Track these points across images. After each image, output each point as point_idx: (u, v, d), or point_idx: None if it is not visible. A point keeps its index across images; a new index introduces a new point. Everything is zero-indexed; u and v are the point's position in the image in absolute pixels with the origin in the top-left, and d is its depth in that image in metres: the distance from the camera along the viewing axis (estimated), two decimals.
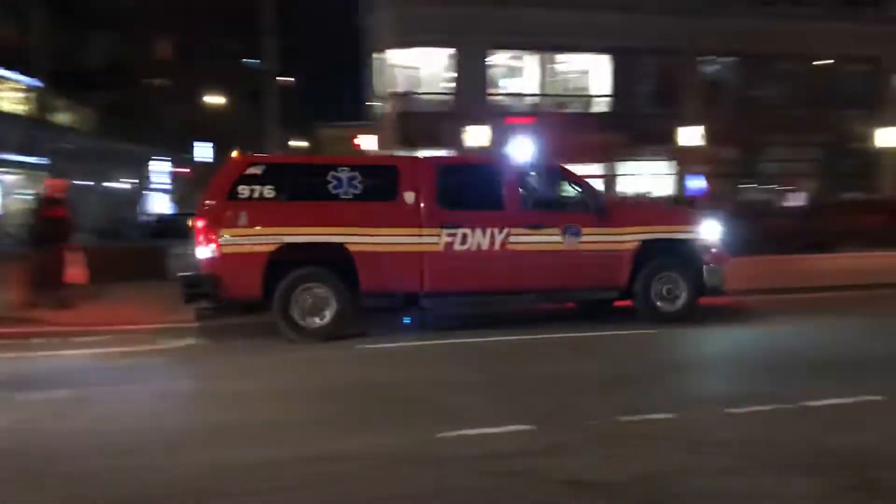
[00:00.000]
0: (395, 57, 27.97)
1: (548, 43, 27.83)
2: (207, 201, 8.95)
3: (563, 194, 10.44)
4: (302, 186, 9.20)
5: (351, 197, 9.13)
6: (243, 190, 8.87)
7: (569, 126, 24.61)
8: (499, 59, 28.85)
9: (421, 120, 26.01)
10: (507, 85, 29.25)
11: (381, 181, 9.36)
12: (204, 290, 8.88)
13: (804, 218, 19.26)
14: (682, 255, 10.09)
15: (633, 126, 26.32)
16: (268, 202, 8.92)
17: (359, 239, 9.04)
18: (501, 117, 27.00)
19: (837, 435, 5.19)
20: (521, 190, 9.96)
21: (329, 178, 9.11)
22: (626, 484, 4.44)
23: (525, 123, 26.59)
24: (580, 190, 10.29)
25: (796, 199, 25.26)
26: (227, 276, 8.72)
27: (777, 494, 4.26)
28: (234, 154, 9.61)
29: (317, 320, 9.03)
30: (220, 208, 8.83)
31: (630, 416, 5.70)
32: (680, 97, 28.95)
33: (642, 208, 12.10)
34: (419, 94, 28.20)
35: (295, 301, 8.95)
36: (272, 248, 8.83)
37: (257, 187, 8.89)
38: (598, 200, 10.15)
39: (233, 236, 8.76)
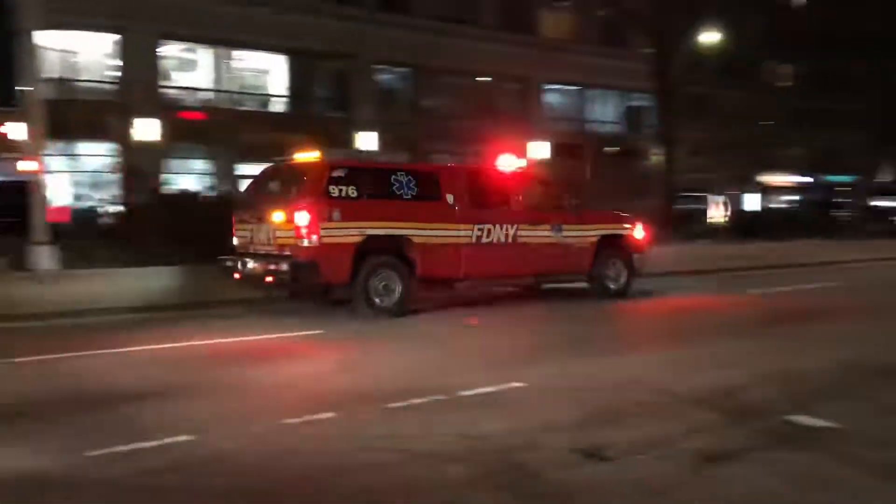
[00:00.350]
0: (48, 38, 25.27)
1: (221, 38, 26.95)
2: (305, 199, 10.08)
3: (549, 198, 12.69)
4: (374, 187, 10.60)
5: (410, 197, 10.84)
6: (334, 189, 10.22)
7: (243, 123, 24.13)
8: (170, 51, 27.33)
9: (80, 109, 23.69)
10: (180, 78, 27.84)
11: (428, 184, 11.09)
12: (302, 275, 10.03)
13: None
14: (624, 246, 12.93)
15: (309, 127, 26.46)
16: (353, 200, 10.32)
17: (418, 232, 10.81)
18: (173, 111, 25.69)
19: (486, 422, 5.52)
20: (522, 193, 12.07)
21: (392, 180, 10.72)
22: (283, 487, 4.35)
23: (198, 118, 25.63)
24: (559, 194, 12.92)
25: None
26: (325, 263, 10.04)
27: (431, 483, 4.42)
28: (319, 155, 10.67)
29: (383, 300, 10.50)
30: (320, 205, 10.07)
31: (294, 419, 5.61)
32: (355, 102, 29.77)
33: (598, 210, 14.17)
34: (78, 81, 25.76)
35: (371, 283, 10.37)
36: (359, 239, 10.29)
37: (343, 187, 10.28)
38: (573, 203, 12.70)
39: (331, 229, 10.08)
